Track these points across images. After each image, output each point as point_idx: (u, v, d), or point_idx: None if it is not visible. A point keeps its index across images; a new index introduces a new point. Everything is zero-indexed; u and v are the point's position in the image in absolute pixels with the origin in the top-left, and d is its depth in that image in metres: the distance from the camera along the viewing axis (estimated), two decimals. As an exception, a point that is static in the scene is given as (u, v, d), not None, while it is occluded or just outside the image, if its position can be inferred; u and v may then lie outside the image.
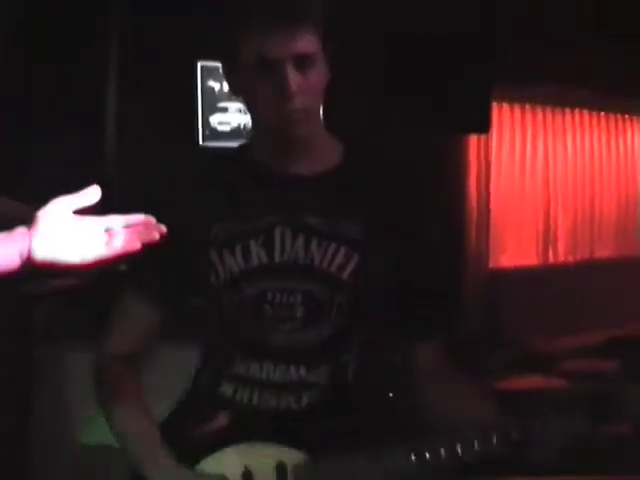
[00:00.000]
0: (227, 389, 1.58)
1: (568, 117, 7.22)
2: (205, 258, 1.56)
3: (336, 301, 1.54)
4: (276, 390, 1.55)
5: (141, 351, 1.67)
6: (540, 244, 7.05)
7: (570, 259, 7.23)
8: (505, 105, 6.70)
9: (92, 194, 1.22)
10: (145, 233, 1.21)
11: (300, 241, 1.55)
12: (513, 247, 6.85)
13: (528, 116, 6.90)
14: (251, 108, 1.57)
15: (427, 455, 1.46)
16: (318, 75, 1.51)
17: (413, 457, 1.46)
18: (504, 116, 6.70)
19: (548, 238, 7.09)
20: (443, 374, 1.61)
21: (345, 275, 1.54)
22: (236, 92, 1.58)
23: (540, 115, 6.99)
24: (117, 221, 1.22)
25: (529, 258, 6.96)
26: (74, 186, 1.24)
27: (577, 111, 7.27)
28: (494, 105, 6.41)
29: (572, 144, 7.25)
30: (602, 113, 7.50)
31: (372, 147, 1.73)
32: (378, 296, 1.57)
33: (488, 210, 6.36)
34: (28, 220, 1.22)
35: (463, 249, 6.02)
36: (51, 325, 3.55)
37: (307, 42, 1.47)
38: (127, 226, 1.22)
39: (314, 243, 1.55)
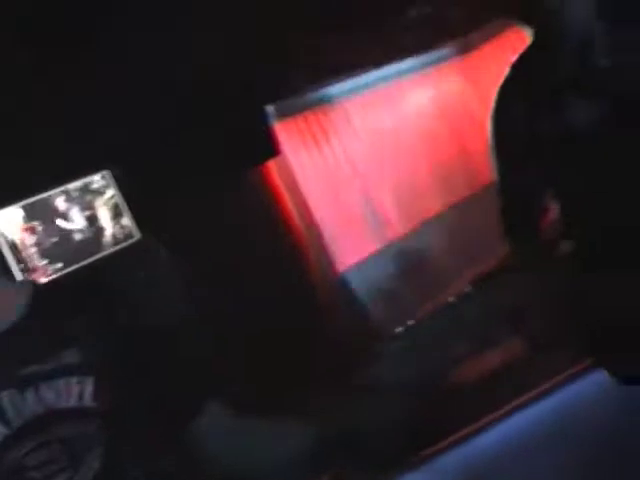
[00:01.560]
0: None
1: (346, 105, 7.42)
2: None
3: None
4: None
5: None
6: (373, 228, 7.19)
7: (406, 230, 7.40)
8: (282, 122, 6.82)
9: None
10: None
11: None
12: (352, 244, 6.97)
13: (311, 120, 7.05)
14: None
15: None
16: None
17: None
18: (288, 132, 6.82)
19: (378, 219, 7.24)
20: None
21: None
22: None
23: (320, 114, 7.14)
24: None
25: (370, 245, 7.10)
26: None
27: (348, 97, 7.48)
28: (276, 125, 6.54)
29: (362, 126, 7.44)
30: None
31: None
32: None
33: (313, 223, 6.44)
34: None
35: (305, 269, 6.08)
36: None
37: None
38: None
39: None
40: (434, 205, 7.72)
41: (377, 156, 7.43)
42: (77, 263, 4.49)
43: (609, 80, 1.89)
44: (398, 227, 7.36)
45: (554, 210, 2.12)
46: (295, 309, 5.46)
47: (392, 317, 6.27)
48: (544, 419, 3.59)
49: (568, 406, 3.73)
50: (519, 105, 2.08)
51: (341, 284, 6.49)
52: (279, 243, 5.85)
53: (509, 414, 3.58)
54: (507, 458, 3.14)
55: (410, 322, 5.98)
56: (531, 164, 2.09)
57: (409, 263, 6.99)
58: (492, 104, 2.19)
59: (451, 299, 6.22)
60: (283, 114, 6.61)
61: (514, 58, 2.14)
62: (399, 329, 5.99)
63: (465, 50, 8.29)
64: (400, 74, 7.89)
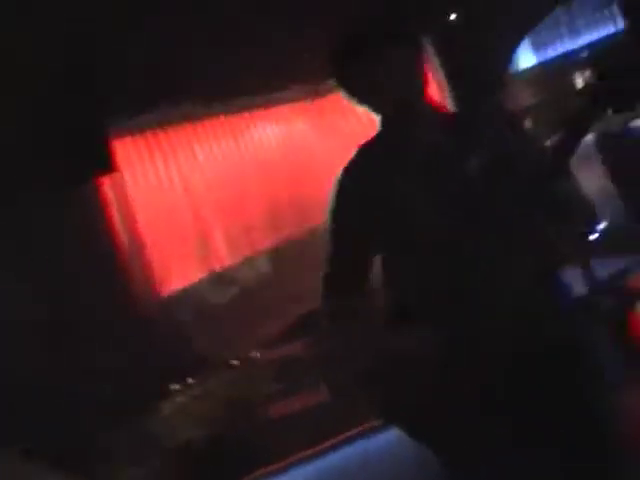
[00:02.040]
0: None
1: (189, 129, 7.43)
2: None
3: None
4: None
5: None
6: (201, 257, 7.19)
7: (234, 262, 7.44)
8: (126, 138, 6.76)
9: None
10: None
11: None
12: (175, 266, 6.94)
13: (151, 141, 7.01)
14: None
15: None
16: None
17: None
18: (128, 149, 6.76)
19: (206, 248, 7.25)
20: None
21: None
22: None
23: (161, 136, 7.12)
24: None
25: (196, 273, 7.09)
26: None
27: (195, 122, 7.49)
28: (115, 142, 6.47)
29: (202, 152, 7.47)
30: (222, 115, 7.80)
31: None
32: None
33: (140, 241, 6.39)
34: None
35: (124, 288, 6.01)
36: None
37: None
38: None
39: None
40: (263, 241, 7.81)
41: (213, 184, 7.46)
42: None
43: None
44: (225, 258, 7.39)
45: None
46: (111, 329, 5.40)
47: (213, 346, 6.28)
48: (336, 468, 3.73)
49: (360, 458, 3.88)
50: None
51: (163, 308, 6.44)
52: (102, 259, 5.77)
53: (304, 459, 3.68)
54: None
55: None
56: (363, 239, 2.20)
57: (232, 294, 7.03)
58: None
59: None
60: (122, 131, 6.57)
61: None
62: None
63: (316, 95, 8.48)
64: (248, 107, 7.99)
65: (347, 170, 2.23)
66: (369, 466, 3.81)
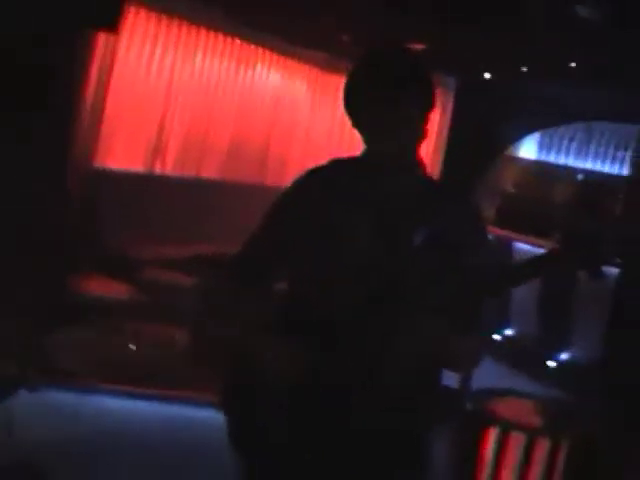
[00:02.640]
0: None
1: (202, 35, 7.33)
2: None
3: None
4: None
5: None
6: (149, 152, 7.13)
7: (175, 172, 7.40)
8: (142, 11, 6.66)
9: None
10: None
11: None
12: (122, 149, 6.88)
13: (163, 26, 6.91)
14: None
15: None
16: None
17: None
18: (139, 21, 6.65)
19: (159, 148, 7.19)
20: None
21: None
22: None
23: (175, 28, 7.02)
24: None
25: (136, 163, 7.04)
26: None
27: (212, 31, 7.40)
28: (130, 8, 6.36)
29: (201, 63, 7.38)
30: (236, 39, 7.71)
31: None
32: None
33: (102, 108, 6.30)
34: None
35: (68, 143, 5.93)
36: None
37: None
38: None
39: None
40: (210, 170, 7.78)
41: (195, 97, 7.40)
42: None
43: None
44: (170, 164, 7.34)
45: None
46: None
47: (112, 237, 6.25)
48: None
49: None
50: None
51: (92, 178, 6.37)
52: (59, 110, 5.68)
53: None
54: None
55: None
56: None
57: (158, 200, 6.99)
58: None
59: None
60: (143, 2, 6.50)
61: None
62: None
63: (332, 69, 8.44)
64: (265, 44, 7.94)
65: (313, 173, 2.23)
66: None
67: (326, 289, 2.09)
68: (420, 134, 2.10)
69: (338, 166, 2.23)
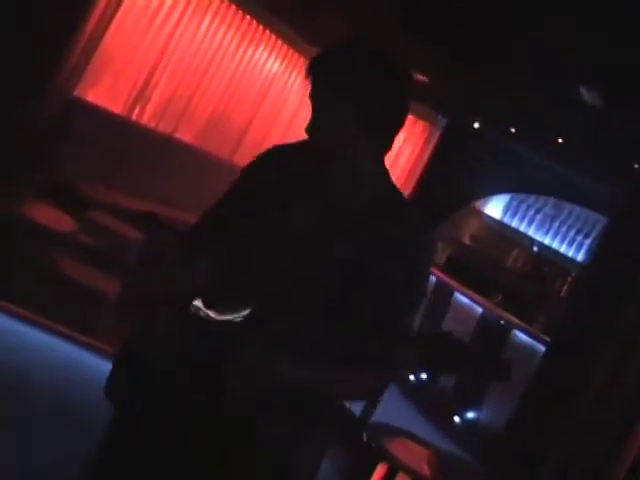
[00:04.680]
0: None
1: (216, 1, 7.29)
2: None
3: None
4: None
5: None
6: (132, 98, 7.05)
7: (151, 125, 7.33)
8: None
9: None
10: None
11: None
12: (106, 87, 6.78)
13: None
14: None
15: None
16: None
17: None
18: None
19: (142, 96, 7.11)
20: None
21: None
22: None
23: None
24: None
25: (116, 105, 6.95)
26: None
27: (226, 1, 7.37)
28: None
29: (206, 28, 7.33)
30: (247, 16, 7.67)
31: None
32: None
33: (99, 41, 6.19)
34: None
35: (58, 63, 5.81)
36: None
37: None
38: None
39: None
40: (185, 133, 7.72)
41: (190, 59, 7.34)
42: None
43: None
44: (147, 116, 7.27)
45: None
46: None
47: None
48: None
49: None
50: None
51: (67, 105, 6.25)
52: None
53: None
54: None
55: None
56: None
57: (127, 147, 6.91)
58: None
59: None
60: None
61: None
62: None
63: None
64: (271, 27, 7.92)
65: (274, 151, 2.17)
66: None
67: (247, 268, 2.05)
68: (376, 143, 2.00)
69: (299, 149, 2.13)
